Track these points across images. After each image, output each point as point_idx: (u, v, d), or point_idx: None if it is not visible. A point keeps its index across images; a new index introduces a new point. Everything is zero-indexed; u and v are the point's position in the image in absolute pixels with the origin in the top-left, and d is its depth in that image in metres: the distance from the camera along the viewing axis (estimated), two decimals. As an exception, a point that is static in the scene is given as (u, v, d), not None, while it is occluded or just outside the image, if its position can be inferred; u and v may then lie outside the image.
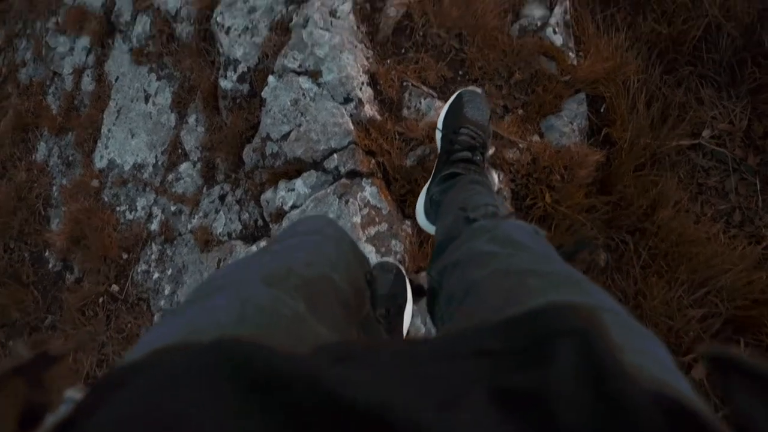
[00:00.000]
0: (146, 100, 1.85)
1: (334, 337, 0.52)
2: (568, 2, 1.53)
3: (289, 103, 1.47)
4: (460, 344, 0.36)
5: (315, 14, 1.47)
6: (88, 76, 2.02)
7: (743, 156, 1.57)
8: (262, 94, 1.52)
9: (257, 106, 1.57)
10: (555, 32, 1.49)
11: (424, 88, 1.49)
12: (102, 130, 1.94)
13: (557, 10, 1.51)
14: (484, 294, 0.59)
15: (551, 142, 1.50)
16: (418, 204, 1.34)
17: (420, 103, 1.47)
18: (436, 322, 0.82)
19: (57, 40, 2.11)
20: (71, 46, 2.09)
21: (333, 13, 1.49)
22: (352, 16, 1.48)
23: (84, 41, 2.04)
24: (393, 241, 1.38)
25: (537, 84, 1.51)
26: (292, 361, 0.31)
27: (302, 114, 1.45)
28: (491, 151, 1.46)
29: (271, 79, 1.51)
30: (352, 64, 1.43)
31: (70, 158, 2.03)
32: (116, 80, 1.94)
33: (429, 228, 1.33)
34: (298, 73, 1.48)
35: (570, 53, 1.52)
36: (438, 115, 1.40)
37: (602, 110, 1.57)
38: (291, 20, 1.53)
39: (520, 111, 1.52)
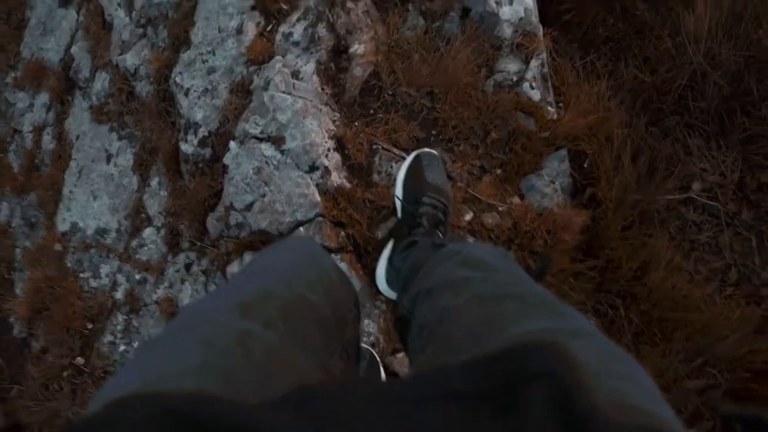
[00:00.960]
0: (108, 160, 1.76)
1: (311, 368, 0.51)
2: (545, 54, 1.45)
3: (251, 171, 1.38)
4: (430, 386, 0.35)
5: (276, 76, 1.38)
6: (48, 134, 1.92)
7: (737, 210, 1.48)
8: (224, 160, 1.43)
9: (220, 172, 1.47)
10: (532, 87, 1.41)
11: (395, 151, 1.40)
12: (64, 192, 1.84)
13: (533, 63, 1.42)
14: (459, 321, 0.58)
15: (532, 204, 1.41)
16: (378, 270, 1.28)
17: (391, 167, 1.38)
18: (409, 353, 0.79)
19: (16, 95, 2.02)
20: (31, 102, 2.00)
21: (296, 75, 1.40)
22: (315, 77, 1.39)
23: (43, 98, 1.95)
24: (366, 321, 1.29)
25: (515, 142, 1.42)
26: (236, 417, 0.31)
27: (266, 183, 1.36)
28: (468, 216, 1.38)
29: (232, 145, 1.42)
30: (317, 130, 1.34)
31: (33, 220, 1.94)
32: (77, 139, 1.84)
33: (391, 294, 1.26)
34: (261, 140, 1.39)
35: (549, 107, 1.44)
36: (401, 166, 1.32)
37: (585, 165, 1.49)
38: (252, 82, 1.44)
39: (499, 171, 1.43)
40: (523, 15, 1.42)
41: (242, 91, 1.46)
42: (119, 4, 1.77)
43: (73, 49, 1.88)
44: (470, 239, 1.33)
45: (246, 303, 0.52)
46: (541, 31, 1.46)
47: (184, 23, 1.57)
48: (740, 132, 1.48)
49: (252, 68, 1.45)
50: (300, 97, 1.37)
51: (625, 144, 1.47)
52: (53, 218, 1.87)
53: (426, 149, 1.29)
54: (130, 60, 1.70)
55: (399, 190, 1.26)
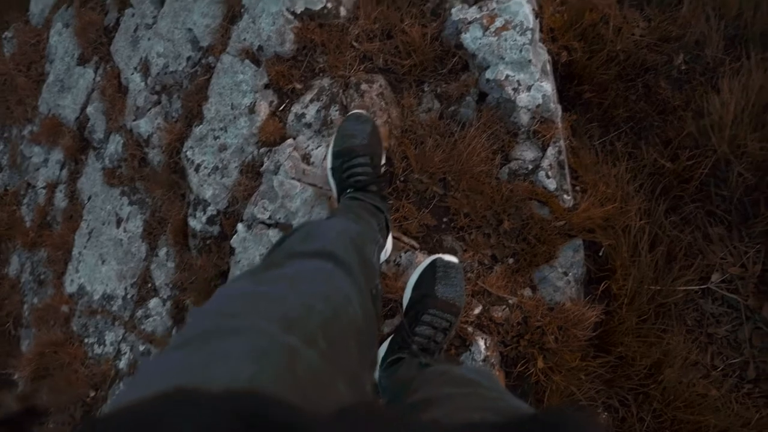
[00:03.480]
0: (118, 224, 1.75)
1: (348, 390, 0.51)
2: (562, 141, 1.41)
3: (258, 258, 1.35)
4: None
5: (286, 162, 1.37)
6: (61, 191, 1.93)
7: (757, 305, 1.42)
8: (232, 242, 1.41)
9: (227, 253, 1.46)
10: (548, 176, 1.37)
11: (405, 239, 1.37)
12: (73, 252, 1.84)
13: (550, 151, 1.39)
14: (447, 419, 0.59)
15: (544, 298, 1.36)
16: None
17: (400, 257, 1.35)
18: None
19: (32, 149, 2.04)
20: (45, 158, 2.01)
21: (306, 158, 1.38)
22: (326, 163, 1.37)
23: (58, 155, 1.96)
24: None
25: (528, 231, 1.38)
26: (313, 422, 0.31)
27: (272, 271, 1.34)
28: (477, 310, 1.34)
29: (240, 227, 1.40)
30: (326, 220, 1.31)
31: (42, 276, 1.94)
32: (89, 199, 1.85)
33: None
34: (269, 226, 1.37)
35: (565, 195, 1.40)
36: (414, 270, 1.28)
37: (601, 254, 1.44)
38: (262, 164, 1.42)
39: (511, 261, 1.39)
40: (541, 101, 1.38)
41: (252, 173, 1.44)
42: (135, 68, 1.77)
43: (89, 109, 1.89)
44: (479, 339, 1.30)
45: (290, 317, 0.52)
46: (559, 117, 1.43)
47: (198, 97, 1.57)
48: (764, 224, 1.42)
49: (263, 149, 1.43)
50: (310, 184, 1.35)
51: (643, 233, 1.42)
52: (62, 278, 1.87)
53: (446, 256, 1.22)
54: (143, 126, 1.70)
55: (406, 296, 1.22)
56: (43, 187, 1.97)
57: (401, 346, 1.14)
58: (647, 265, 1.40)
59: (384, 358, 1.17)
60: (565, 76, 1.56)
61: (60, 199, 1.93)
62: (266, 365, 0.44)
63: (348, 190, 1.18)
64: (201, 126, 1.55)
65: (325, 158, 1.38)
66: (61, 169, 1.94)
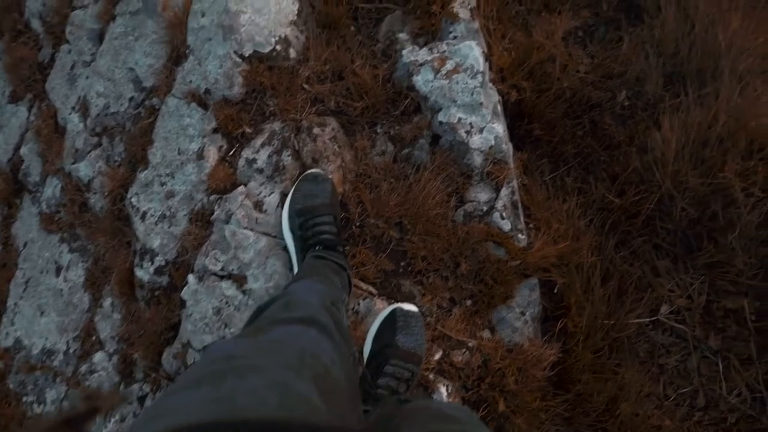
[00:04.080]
0: (57, 272, 1.66)
1: None
2: (515, 181, 1.43)
3: (211, 311, 1.30)
4: None
5: (238, 210, 1.32)
6: (-7, 238, 1.81)
7: (704, 336, 1.48)
8: (182, 295, 1.35)
9: (177, 304, 1.39)
10: (503, 217, 1.38)
11: (363, 286, 1.35)
12: (8, 303, 1.72)
13: (504, 191, 1.40)
14: None
15: (503, 339, 1.37)
16: None
17: (358, 304, 1.33)
18: None
19: (-41, 192, 1.90)
20: (-25, 201, 1.88)
21: (259, 206, 1.34)
22: (279, 210, 1.33)
23: (-11, 198, 1.84)
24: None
25: (485, 273, 1.39)
26: None
27: (226, 325, 1.29)
28: (438, 355, 1.33)
29: (191, 279, 1.34)
30: (281, 271, 1.28)
31: (-27, 329, 1.80)
32: (24, 246, 1.74)
33: None
34: (221, 277, 1.32)
35: (519, 235, 1.41)
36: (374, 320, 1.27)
37: (556, 291, 1.47)
38: (212, 213, 1.37)
39: (469, 302, 1.39)
40: (493, 143, 1.40)
41: (202, 221, 1.39)
42: (73, 108, 1.69)
43: (23, 150, 1.78)
44: (440, 385, 1.29)
45: (287, 365, 0.55)
46: (511, 158, 1.44)
47: (142, 141, 1.50)
48: (707, 256, 1.48)
49: (213, 197, 1.38)
50: (263, 233, 1.31)
51: (595, 269, 1.46)
52: (-4, 331, 1.74)
53: (405, 305, 1.21)
54: (83, 170, 1.62)
55: (367, 347, 1.21)
56: (-26, 233, 1.84)
57: (365, 398, 1.12)
58: (600, 300, 1.44)
59: None
60: (515, 115, 1.59)
61: (-8, 246, 1.80)
62: (290, 396, 0.47)
63: (315, 248, 1.17)
64: (146, 171, 1.48)
65: (278, 206, 1.34)
66: (-8, 214, 1.83)
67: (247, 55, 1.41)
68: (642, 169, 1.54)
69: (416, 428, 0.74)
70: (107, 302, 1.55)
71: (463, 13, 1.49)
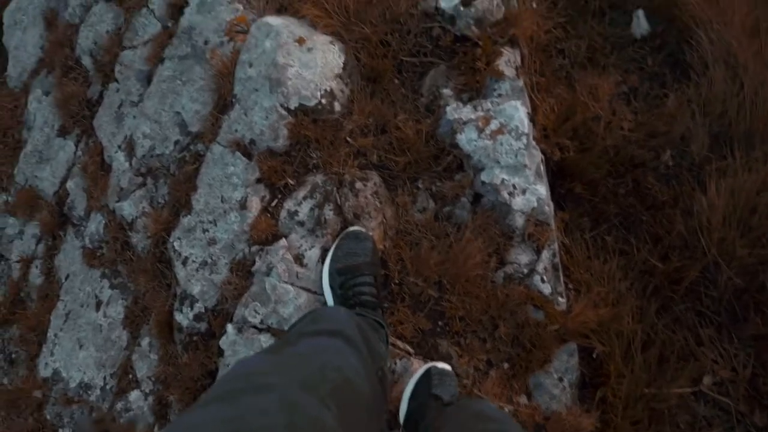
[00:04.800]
0: (97, 307, 1.69)
1: None
2: (556, 244, 1.41)
3: (248, 364, 1.31)
4: None
5: (279, 264, 1.33)
6: (36, 267, 1.85)
7: (748, 410, 1.43)
8: (221, 343, 1.37)
9: (215, 352, 1.41)
10: (543, 281, 1.37)
11: (400, 345, 1.35)
12: (49, 334, 1.76)
13: (545, 254, 1.39)
14: None
15: (540, 405, 1.35)
16: None
17: (395, 363, 1.32)
18: None
19: (6, 220, 1.96)
20: (21, 229, 1.93)
21: (299, 260, 1.35)
22: (320, 266, 1.34)
23: (34, 228, 1.88)
24: None
25: (524, 336, 1.37)
26: None
27: (263, 379, 1.29)
28: None
29: (230, 329, 1.35)
30: (319, 329, 1.28)
31: (14, 356, 1.85)
32: (66, 278, 1.78)
33: None
34: (260, 330, 1.33)
35: (559, 298, 1.39)
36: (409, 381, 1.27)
37: (594, 356, 1.44)
38: (254, 263, 1.39)
39: (506, 365, 1.38)
40: (536, 204, 1.39)
41: (243, 271, 1.40)
42: (119, 147, 1.73)
43: (69, 184, 1.83)
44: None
45: (307, 383, 0.57)
46: (553, 220, 1.43)
47: (186, 186, 1.53)
48: (753, 328, 1.44)
49: (254, 248, 1.40)
50: (303, 288, 1.32)
51: (635, 335, 1.43)
52: (35, 360, 1.78)
53: (439, 364, 1.23)
54: (127, 209, 1.65)
55: (402, 409, 1.20)
56: (17, 261, 1.89)
57: None
58: (640, 368, 1.41)
59: None
60: (556, 173, 1.58)
61: (35, 276, 1.85)
62: (299, 416, 0.48)
63: (355, 308, 1.18)
64: (189, 217, 1.50)
65: (319, 261, 1.35)
66: (37, 244, 1.87)
67: (292, 108, 1.43)
68: (686, 234, 1.51)
69: (457, 428, 0.82)
70: (145, 341, 1.57)
71: (508, 71, 1.49)
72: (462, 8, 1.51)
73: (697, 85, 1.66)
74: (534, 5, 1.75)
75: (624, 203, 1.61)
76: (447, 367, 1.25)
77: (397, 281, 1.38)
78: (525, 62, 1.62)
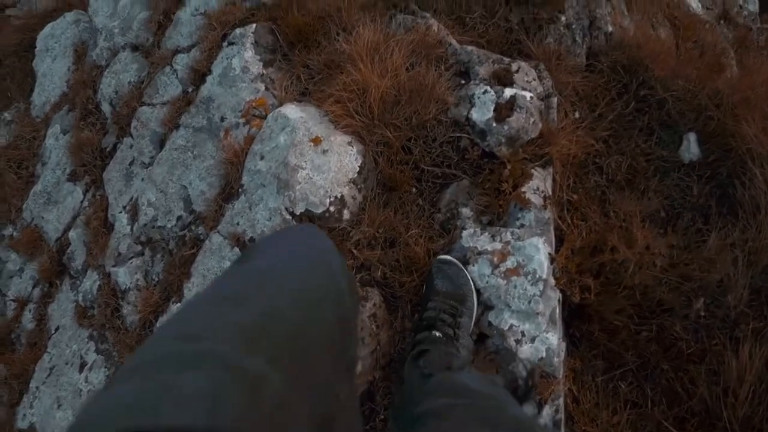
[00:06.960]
0: (81, 369, 1.64)
1: (317, 413, 0.49)
2: (561, 399, 1.30)
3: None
4: None
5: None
6: (30, 311, 1.82)
7: None
8: None
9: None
10: (541, 442, 1.25)
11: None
12: (30, 385, 1.73)
13: (547, 409, 1.27)
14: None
15: None
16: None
17: None
18: None
19: (8, 254, 1.93)
20: (21, 267, 1.90)
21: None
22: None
23: (33, 270, 1.85)
24: None
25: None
26: None
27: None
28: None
29: None
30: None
31: (-4, 395, 1.82)
32: (56, 330, 1.74)
33: None
34: None
35: (559, 459, 1.28)
36: None
37: None
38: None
39: None
40: (544, 355, 1.27)
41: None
42: (124, 208, 1.67)
43: (71, 234, 1.79)
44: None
45: (252, 335, 0.47)
46: (561, 373, 1.31)
47: (181, 272, 1.46)
48: None
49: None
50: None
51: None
52: (15, 408, 1.75)
53: (441, 256, 1.29)
54: (122, 277, 1.59)
55: None
56: (13, 300, 1.86)
57: (415, 333, 1.20)
58: None
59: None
60: (574, 311, 1.45)
61: (27, 320, 1.82)
62: (225, 403, 0.40)
63: None
64: (179, 305, 1.43)
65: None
66: (33, 287, 1.84)
67: (298, 213, 1.34)
68: (709, 400, 1.37)
69: (432, 403, 0.83)
70: (120, 421, 1.52)
71: (535, 199, 1.37)
72: (495, 124, 1.39)
73: (744, 228, 1.51)
74: (577, 115, 1.62)
75: (644, 349, 1.48)
76: (447, 257, 1.29)
77: (381, 416, 1.29)
78: (557, 180, 1.50)
